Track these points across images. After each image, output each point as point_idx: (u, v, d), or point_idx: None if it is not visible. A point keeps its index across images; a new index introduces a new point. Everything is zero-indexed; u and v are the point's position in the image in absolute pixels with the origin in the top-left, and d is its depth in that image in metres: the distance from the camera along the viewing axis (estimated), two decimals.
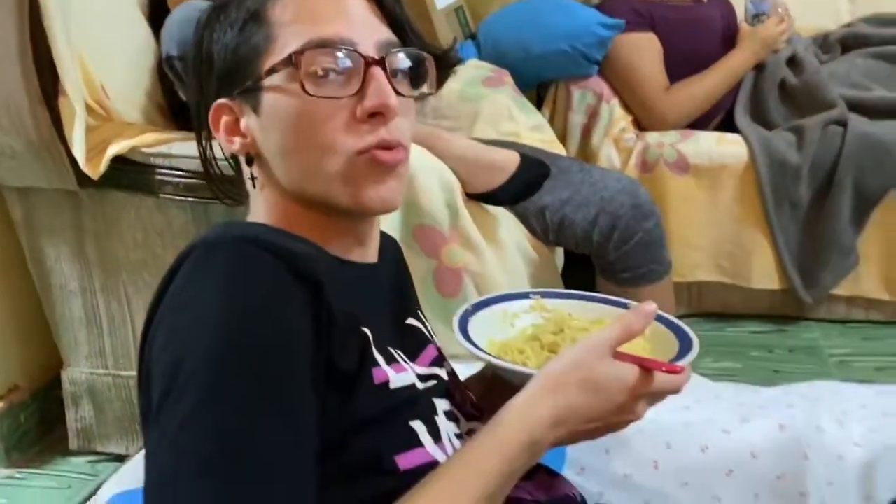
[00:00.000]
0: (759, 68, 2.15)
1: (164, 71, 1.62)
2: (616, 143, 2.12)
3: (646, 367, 0.68)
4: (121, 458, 1.70)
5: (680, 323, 0.82)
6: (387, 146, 0.72)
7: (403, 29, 0.77)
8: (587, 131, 2.17)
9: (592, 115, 2.16)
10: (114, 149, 1.39)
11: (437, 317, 1.31)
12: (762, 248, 2.05)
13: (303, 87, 0.70)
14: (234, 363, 0.61)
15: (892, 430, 1.04)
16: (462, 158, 1.39)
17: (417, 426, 0.69)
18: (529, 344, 0.82)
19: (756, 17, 2.14)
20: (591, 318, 0.85)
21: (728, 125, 2.15)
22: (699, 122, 2.14)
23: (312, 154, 0.71)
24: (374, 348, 0.70)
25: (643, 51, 2.11)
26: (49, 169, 1.48)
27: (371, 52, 0.72)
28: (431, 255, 1.28)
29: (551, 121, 2.16)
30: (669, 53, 2.13)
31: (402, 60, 0.74)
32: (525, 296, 0.90)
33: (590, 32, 2.07)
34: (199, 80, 0.78)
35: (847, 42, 2.26)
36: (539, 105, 2.19)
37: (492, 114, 1.90)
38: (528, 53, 2.11)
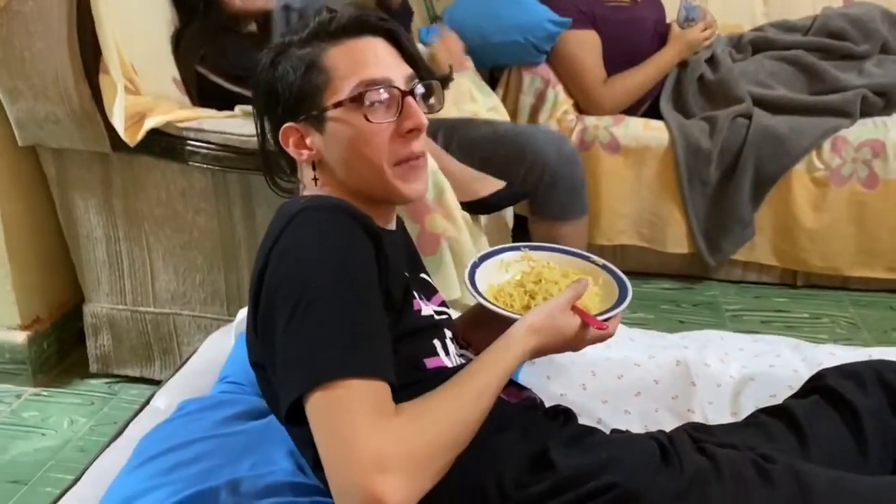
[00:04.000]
0: (682, 65, 2.50)
1: (178, 47, 1.87)
2: (559, 123, 2.46)
3: (586, 322, 1.02)
4: (135, 381, 1.99)
5: (625, 280, 1.13)
6: (417, 154, 1.02)
7: (416, 62, 1.06)
8: (535, 111, 2.50)
9: (539, 98, 2.49)
10: (151, 122, 1.66)
11: None
12: (676, 218, 2.43)
13: (366, 118, 0.98)
14: (340, 283, 0.89)
15: (758, 367, 1.41)
16: (456, 172, 1.78)
17: (436, 342, 1.02)
18: (516, 289, 1.13)
19: (686, 21, 2.49)
20: (562, 268, 1.17)
21: (653, 112, 2.51)
22: (629, 109, 2.49)
23: (366, 162, 1.01)
24: (412, 289, 1.03)
25: (585, 46, 2.44)
26: (87, 135, 1.74)
27: (402, 85, 1.01)
28: (416, 221, 1.61)
29: (504, 100, 2.49)
30: (607, 48, 2.46)
31: (421, 89, 1.04)
32: (517, 248, 1.21)
33: (541, 27, 2.40)
34: (265, 106, 1.06)
35: (757, 44, 2.64)
36: (493, 86, 2.51)
37: (456, 95, 2.22)
38: (485, 41, 2.43)
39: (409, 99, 1.00)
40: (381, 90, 0.99)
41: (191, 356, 1.46)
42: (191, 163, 1.70)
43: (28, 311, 2.01)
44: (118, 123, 1.66)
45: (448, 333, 1.07)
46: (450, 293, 1.66)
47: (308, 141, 1.03)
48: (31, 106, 1.73)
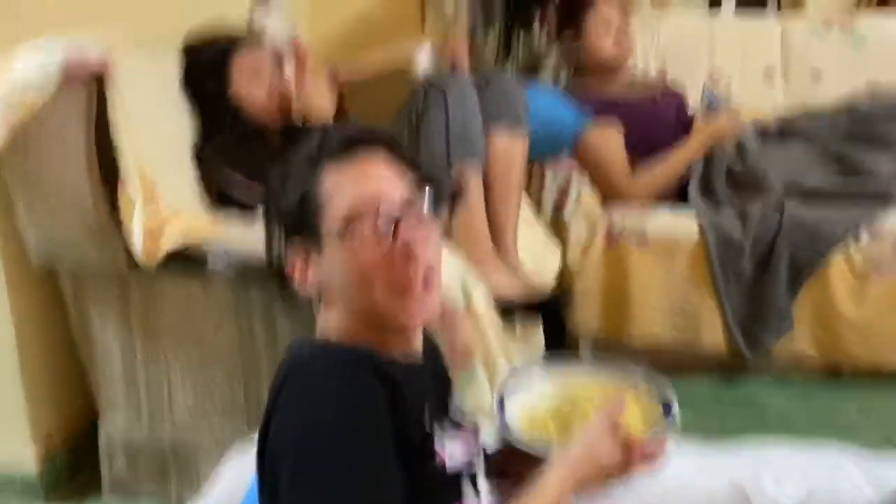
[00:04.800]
0: (709, 154, 2.46)
1: (202, 159, 1.85)
2: (585, 218, 2.41)
3: (630, 448, 0.95)
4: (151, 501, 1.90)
5: (669, 393, 1.07)
6: (417, 280, 0.95)
7: (417, 168, 1.01)
8: (558, 207, 2.45)
9: (563, 194, 2.44)
10: (169, 241, 1.61)
11: None
12: (710, 312, 2.34)
13: (352, 245, 0.94)
14: (347, 452, 0.85)
15: (817, 483, 1.32)
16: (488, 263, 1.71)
17: (465, 488, 0.96)
18: (551, 416, 1.08)
19: (708, 110, 2.46)
20: (598, 384, 1.12)
21: (681, 195, 2.45)
22: (656, 202, 2.44)
23: (363, 293, 0.95)
24: (433, 435, 0.95)
25: (609, 140, 2.41)
26: (105, 254, 1.70)
27: (396, 206, 0.95)
28: (447, 330, 1.54)
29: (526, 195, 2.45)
30: (630, 141, 2.43)
31: (423, 203, 0.98)
32: (543, 370, 1.15)
33: (563, 122, 2.37)
34: (271, 226, 1.03)
35: (784, 131, 2.59)
36: None
37: None
38: None
39: (404, 221, 0.95)
40: (369, 218, 0.94)
41: (209, 481, 1.38)
42: (212, 278, 1.65)
43: (40, 427, 1.94)
44: (136, 243, 1.62)
45: (480, 472, 1.00)
46: (485, 402, 1.57)
47: (310, 264, 0.98)
48: (49, 224, 1.69)
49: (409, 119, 1.86)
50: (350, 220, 0.94)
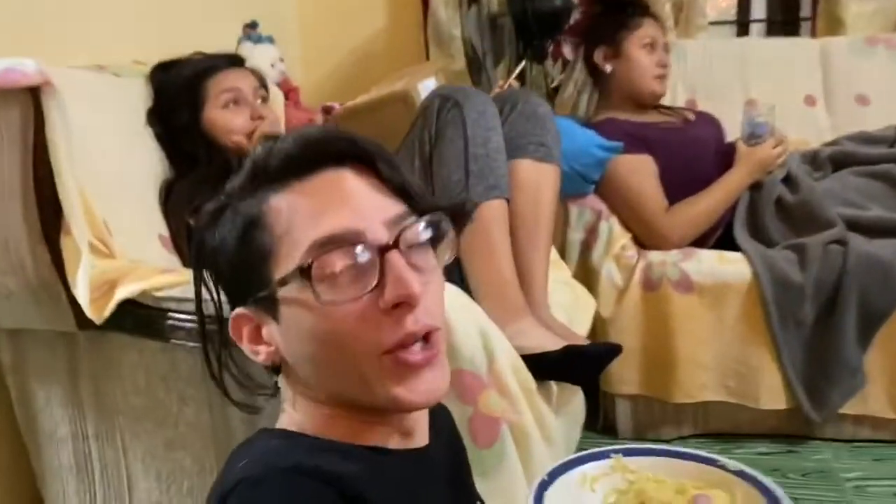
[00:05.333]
0: (756, 186, 2.16)
1: (169, 199, 1.57)
2: (617, 260, 2.10)
3: None
4: None
5: (776, 490, 0.78)
6: (414, 339, 0.67)
7: (409, 194, 0.72)
8: (586, 248, 2.14)
9: (591, 233, 2.14)
10: (122, 292, 1.31)
11: (472, 468, 1.23)
12: (768, 366, 2.02)
13: (318, 298, 0.65)
14: None
15: None
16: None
17: None
18: None
19: (752, 139, 2.16)
20: (675, 481, 0.81)
21: (725, 242, 2.15)
22: (698, 241, 2.13)
23: (340, 360, 0.67)
24: None
25: (640, 172, 2.11)
26: (47, 310, 1.39)
27: (381, 235, 0.67)
28: (468, 402, 1.21)
29: None
30: (665, 173, 2.13)
31: (417, 232, 0.69)
32: (605, 455, 0.85)
33: (588, 154, 2.07)
34: (216, 282, 0.75)
35: (837, 159, 2.29)
36: None
37: None
38: None
39: (392, 256, 0.67)
40: (348, 250, 0.66)
41: None
42: (173, 340, 1.34)
43: None
44: (81, 296, 1.31)
45: None
46: (515, 498, 1.24)
47: (264, 332, 0.72)
48: None
49: (420, 142, 1.56)
50: (314, 261, 0.66)
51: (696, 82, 2.64)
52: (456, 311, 1.24)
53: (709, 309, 2.03)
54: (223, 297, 0.75)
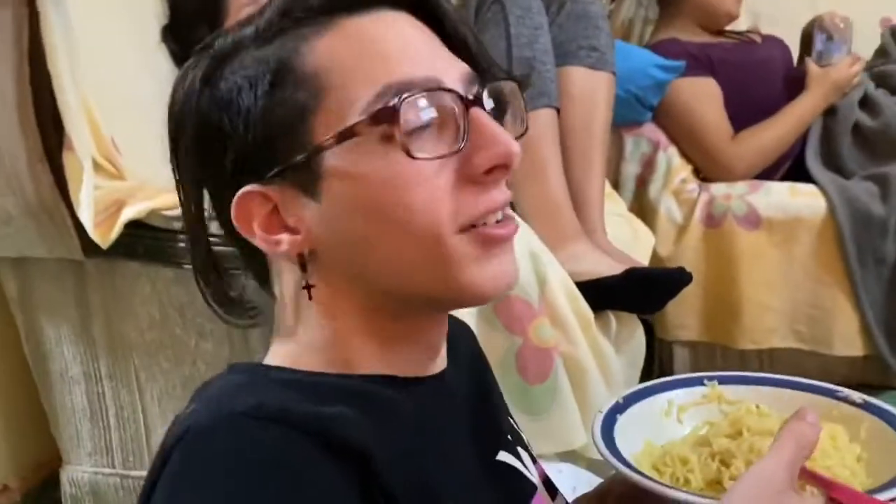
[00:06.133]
0: (830, 111, 1.96)
1: None
2: (676, 195, 1.93)
3: (839, 500, 0.52)
4: None
5: (878, 403, 0.65)
6: (500, 208, 0.55)
7: (476, 55, 0.59)
8: (642, 182, 1.98)
9: (648, 165, 1.97)
10: (129, 212, 1.18)
11: (518, 405, 1.09)
12: (844, 310, 1.85)
13: (407, 152, 0.51)
14: None
15: None
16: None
17: None
18: (696, 451, 0.63)
19: (825, 56, 1.96)
20: (782, 413, 0.66)
21: (796, 174, 1.96)
22: (766, 172, 1.95)
23: (405, 239, 0.53)
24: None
25: (704, 96, 1.93)
26: (50, 235, 1.27)
27: (461, 89, 0.54)
28: (517, 331, 1.06)
29: None
30: (730, 97, 1.95)
31: (488, 97, 0.56)
32: (698, 381, 0.71)
33: (646, 75, 1.88)
34: (199, 161, 0.58)
35: None
36: None
37: None
38: None
39: (478, 112, 0.54)
40: (425, 100, 0.53)
41: None
42: (185, 266, 1.20)
43: None
44: (85, 217, 1.18)
45: None
46: (571, 440, 1.09)
47: (289, 217, 0.55)
48: None
49: None
50: (392, 96, 0.52)
51: (759, 6, 2.42)
52: None
53: (778, 246, 1.86)
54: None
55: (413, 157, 0.51)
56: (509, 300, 1.06)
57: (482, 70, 0.58)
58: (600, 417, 0.66)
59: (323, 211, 0.54)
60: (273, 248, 0.56)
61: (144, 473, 1.24)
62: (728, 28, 2.15)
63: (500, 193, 0.55)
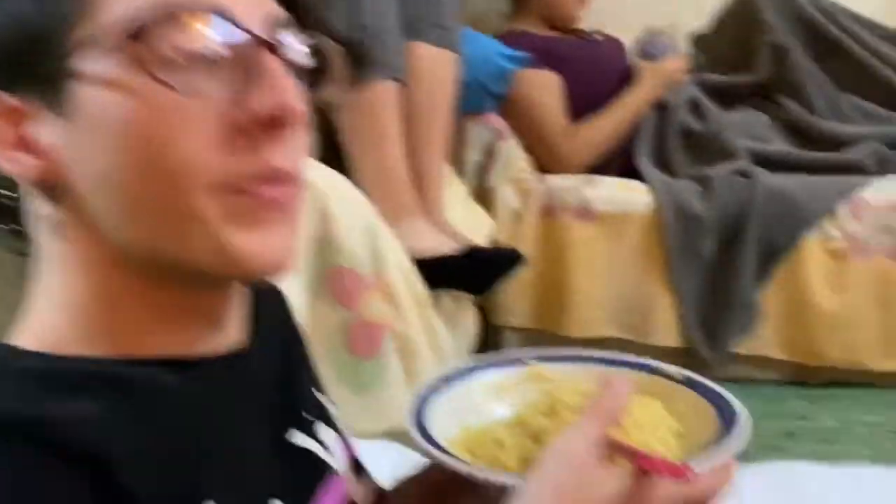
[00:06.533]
0: (662, 111, 2.06)
1: None
2: (515, 184, 1.96)
3: (645, 469, 0.51)
4: None
5: (729, 398, 0.63)
6: (275, 176, 0.47)
7: (298, 5, 0.52)
8: (484, 170, 1.99)
9: (489, 154, 1.99)
10: None
11: (346, 380, 1.06)
12: (664, 302, 1.94)
13: (154, 77, 0.44)
14: None
15: None
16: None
17: None
18: (513, 431, 0.61)
19: (650, 55, 2.07)
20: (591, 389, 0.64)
21: (628, 170, 2.04)
22: (601, 168, 2.02)
23: (159, 183, 0.45)
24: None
25: (545, 88, 1.97)
26: None
27: (256, 27, 0.47)
28: (347, 304, 1.03)
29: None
30: (570, 92, 2.00)
31: (300, 48, 0.50)
32: (517, 361, 0.68)
33: (491, 63, 1.91)
34: None
35: (736, 90, 2.21)
36: None
37: None
38: None
39: (269, 57, 0.47)
40: (199, 22, 0.45)
41: None
42: None
43: None
44: None
45: None
46: (397, 418, 1.08)
47: (32, 132, 0.47)
48: None
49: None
50: (157, 23, 0.45)
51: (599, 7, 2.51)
52: (340, 201, 1.06)
53: (607, 239, 1.93)
54: None
55: (170, 88, 0.44)
56: (340, 271, 1.03)
57: (306, 23, 0.51)
58: (415, 400, 0.63)
59: (70, 130, 0.46)
60: (10, 168, 0.47)
61: None
62: (574, 28, 2.22)
63: (277, 156, 0.47)
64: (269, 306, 0.59)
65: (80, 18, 0.45)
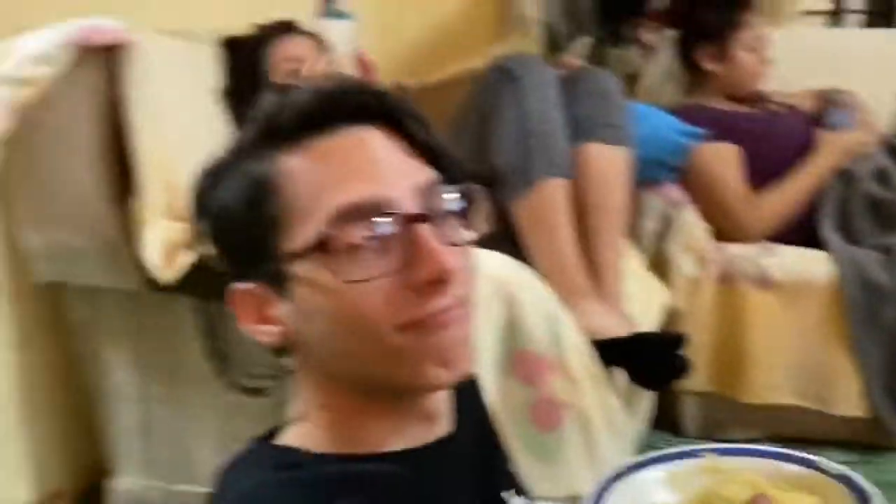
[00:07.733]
0: (846, 179, 2.06)
1: None
2: (693, 252, 2.03)
3: None
4: None
5: (855, 477, 0.68)
6: (444, 311, 0.61)
7: (439, 157, 0.65)
8: (660, 238, 2.08)
9: (666, 222, 2.07)
10: (189, 256, 1.31)
11: (530, 450, 1.20)
12: (846, 372, 1.93)
13: (336, 275, 0.59)
14: None
15: None
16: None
17: None
18: None
19: (833, 127, 2.08)
20: (772, 481, 0.70)
21: (807, 239, 2.05)
22: (783, 237, 2.05)
23: (360, 341, 0.61)
24: None
25: (724, 160, 2.04)
26: (115, 270, 1.40)
27: (409, 204, 0.60)
28: (531, 383, 1.18)
29: None
30: (749, 164, 2.05)
31: (449, 201, 0.62)
32: (692, 454, 0.73)
33: (666, 139, 2.00)
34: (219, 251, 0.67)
35: None
36: None
37: None
38: None
39: (421, 228, 0.60)
40: (363, 224, 0.59)
41: None
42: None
43: (46, 483, 1.63)
44: (150, 257, 1.32)
45: None
46: (575, 486, 1.20)
47: (271, 311, 0.63)
48: (54, 235, 1.41)
49: (475, 119, 1.50)
50: (333, 234, 0.59)
51: (783, 73, 2.52)
52: (523, 289, 1.21)
53: (786, 307, 1.95)
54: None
55: (342, 281, 0.58)
56: (525, 353, 1.17)
57: (449, 171, 0.64)
58: (596, 487, 0.70)
59: (293, 309, 0.62)
60: (259, 338, 0.64)
61: (189, 488, 1.37)
62: (754, 94, 2.27)
63: (444, 299, 0.60)
64: (465, 391, 0.72)
65: (284, 227, 0.61)
